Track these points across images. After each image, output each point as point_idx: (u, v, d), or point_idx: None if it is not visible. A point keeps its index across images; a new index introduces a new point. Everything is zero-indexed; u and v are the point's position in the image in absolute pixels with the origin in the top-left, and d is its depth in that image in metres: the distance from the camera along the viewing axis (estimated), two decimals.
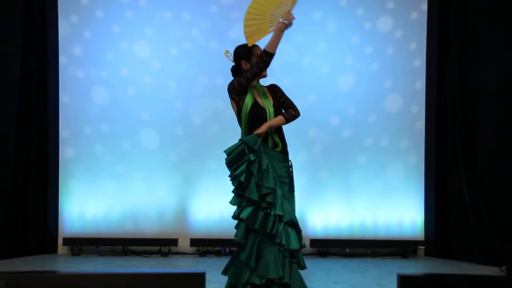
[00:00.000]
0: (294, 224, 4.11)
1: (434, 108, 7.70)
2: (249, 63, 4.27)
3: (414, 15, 7.81)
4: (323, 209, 7.67)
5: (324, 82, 7.78)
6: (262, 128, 4.17)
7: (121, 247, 7.60)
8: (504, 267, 6.12)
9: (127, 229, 7.63)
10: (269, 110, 4.24)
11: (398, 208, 7.71)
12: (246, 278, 4.04)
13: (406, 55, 7.82)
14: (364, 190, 7.74)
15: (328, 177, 7.72)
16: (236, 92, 4.21)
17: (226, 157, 4.14)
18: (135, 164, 7.68)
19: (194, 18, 7.80)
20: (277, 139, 4.25)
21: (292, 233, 4.06)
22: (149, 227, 7.64)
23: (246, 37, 4.24)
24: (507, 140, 7.02)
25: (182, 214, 7.68)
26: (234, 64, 4.35)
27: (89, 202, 7.63)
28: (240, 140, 4.17)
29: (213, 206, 7.61)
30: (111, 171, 7.67)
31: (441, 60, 7.67)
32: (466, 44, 7.34)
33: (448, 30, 7.57)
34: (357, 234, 7.68)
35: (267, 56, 4.11)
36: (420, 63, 7.80)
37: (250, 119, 4.23)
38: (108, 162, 7.67)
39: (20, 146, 7.37)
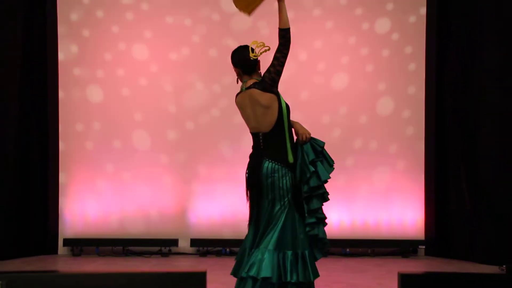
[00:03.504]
0: None
1: (434, 111, 7.70)
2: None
3: (412, 19, 7.80)
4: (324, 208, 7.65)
5: (317, 79, 7.78)
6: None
7: (121, 247, 7.60)
8: (504, 266, 6.12)
9: (127, 230, 7.63)
10: None
11: (398, 208, 7.71)
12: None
13: (401, 59, 7.81)
14: (364, 190, 7.74)
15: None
16: (276, 84, 4.14)
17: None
18: (132, 165, 7.68)
19: (195, 25, 7.79)
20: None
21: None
22: (150, 228, 7.64)
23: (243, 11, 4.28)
24: (507, 141, 7.01)
25: (182, 214, 7.68)
26: (255, 58, 4.21)
27: (89, 202, 7.63)
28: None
29: (213, 207, 7.63)
30: (107, 171, 7.66)
31: (440, 66, 7.68)
32: (466, 50, 7.33)
33: (448, 35, 7.56)
34: (358, 234, 7.67)
35: (287, 33, 4.11)
36: (415, 67, 7.79)
37: (288, 117, 4.20)
38: (101, 161, 7.66)
39: (20, 146, 7.36)
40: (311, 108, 7.63)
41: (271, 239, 3.97)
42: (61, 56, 7.68)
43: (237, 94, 4.26)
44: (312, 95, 7.76)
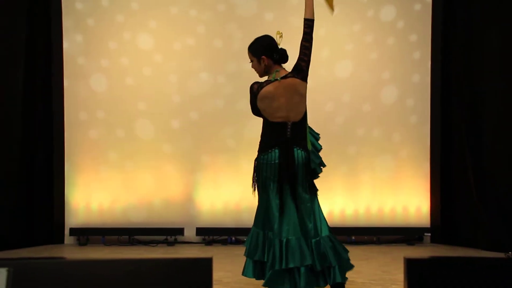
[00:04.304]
0: None
1: (439, 99, 7.69)
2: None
3: (417, 7, 7.77)
4: (327, 196, 7.66)
5: (322, 67, 7.76)
6: None
7: (127, 236, 7.63)
8: (510, 253, 6.11)
9: (133, 219, 7.65)
10: None
11: (404, 196, 7.71)
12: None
13: (406, 47, 7.78)
14: (369, 178, 7.74)
15: (329, 165, 7.68)
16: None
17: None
18: (137, 154, 7.69)
19: (201, 15, 7.77)
20: None
21: None
22: (155, 217, 7.66)
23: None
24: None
25: (187, 204, 7.70)
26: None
27: (94, 191, 7.66)
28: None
29: (218, 196, 7.65)
30: (111, 160, 7.68)
31: (445, 54, 7.65)
32: (470, 39, 7.31)
33: (453, 23, 7.53)
34: (363, 222, 7.68)
35: (313, 23, 4.22)
36: (419, 56, 7.77)
37: None
38: (105, 150, 7.69)
39: (25, 136, 7.37)
40: (314, 96, 7.57)
41: (325, 224, 4.29)
42: (65, 45, 7.68)
43: (264, 84, 4.20)
44: (316, 82, 7.70)
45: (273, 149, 4.15)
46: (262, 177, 4.20)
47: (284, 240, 4.05)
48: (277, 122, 4.18)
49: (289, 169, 4.12)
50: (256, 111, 4.28)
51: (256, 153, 4.23)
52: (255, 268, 4.21)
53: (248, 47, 4.30)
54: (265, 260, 4.11)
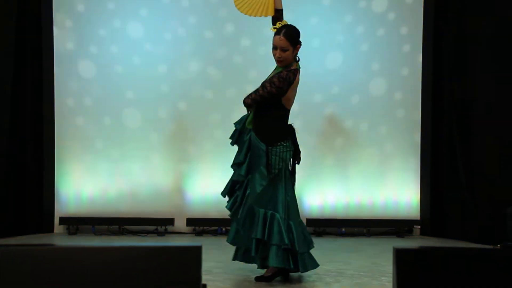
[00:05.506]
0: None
1: (430, 92, 7.69)
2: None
3: None
4: (319, 188, 7.66)
5: (311, 57, 7.71)
6: None
7: (117, 226, 7.60)
8: (499, 245, 6.15)
9: (124, 209, 7.62)
10: None
11: (394, 188, 7.72)
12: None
13: (396, 39, 7.75)
14: (359, 170, 7.74)
15: (322, 157, 7.70)
16: None
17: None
18: (125, 143, 7.63)
19: (193, 6, 7.71)
20: (250, 118, 4.49)
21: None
22: (146, 207, 7.62)
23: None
24: (503, 122, 7.03)
25: (178, 193, 7.67)
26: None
27: (85, 181, 7.61)
28: None
29: (210, 186, 7.63)
30: (99, 148, 7.61)
31: (437, 47, 7.64)
32: (463, 32, 7.30)
33: (446, 16, 7.52)
34: (353, 214, 7.69)
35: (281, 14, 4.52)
36: (409, 48, 7.74)
37: None
38: (93, 138, 7.60)
39: (14, 123, 7.29)
40: (303, 86, 7.55)
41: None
42: (55, 30, 7.59)
43: (296, 72, 4.40)
44: (305, 73, 7.65)
45: (288, 137, 4.36)
46: (281, 165, 4.29)
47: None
48: (288, 110, 4.44)
49: (299, 154, 4.42)
50: (272, 99, 4.33)
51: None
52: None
53: (284, 36, 4.36)
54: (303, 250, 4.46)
